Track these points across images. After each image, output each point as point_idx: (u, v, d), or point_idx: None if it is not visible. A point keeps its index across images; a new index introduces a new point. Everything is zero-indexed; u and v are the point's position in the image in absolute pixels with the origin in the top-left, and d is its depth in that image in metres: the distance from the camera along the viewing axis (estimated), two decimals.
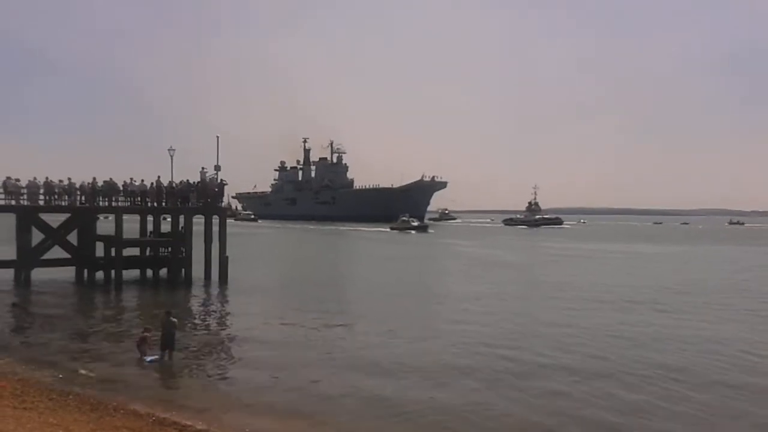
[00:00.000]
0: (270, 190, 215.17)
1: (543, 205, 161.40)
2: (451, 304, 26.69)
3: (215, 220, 31.86)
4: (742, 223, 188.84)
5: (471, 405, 12.76)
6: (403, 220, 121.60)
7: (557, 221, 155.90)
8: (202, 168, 32.01)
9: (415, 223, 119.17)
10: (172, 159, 33.31)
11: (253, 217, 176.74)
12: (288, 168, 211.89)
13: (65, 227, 31.70)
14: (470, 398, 13.22)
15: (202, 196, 31.41)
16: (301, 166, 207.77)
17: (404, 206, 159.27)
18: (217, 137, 34.13)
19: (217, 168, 32.59)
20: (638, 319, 22.94)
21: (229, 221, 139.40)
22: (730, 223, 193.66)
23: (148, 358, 15.66)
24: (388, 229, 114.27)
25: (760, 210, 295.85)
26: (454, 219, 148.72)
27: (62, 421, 10.61)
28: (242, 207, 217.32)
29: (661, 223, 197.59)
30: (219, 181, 32.28)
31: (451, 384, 14.22)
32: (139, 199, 31.78)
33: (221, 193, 32.21)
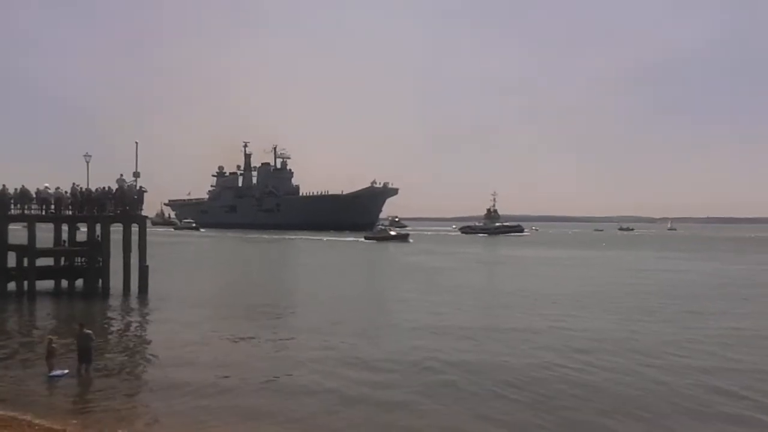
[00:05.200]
0: (207, 197, 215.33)
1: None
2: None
3: (134, 228, 33.72)
4: (632, 229, 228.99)
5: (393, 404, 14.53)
6: (381, 229, 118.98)
7: (518, 229, 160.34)
8: (120, 175, 33.88)
9: (393, 233, 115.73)
10: (88, 165, 34.97)
11: (194, 225, 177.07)
12: (227, 174, 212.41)
13: None
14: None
15: (120, 204, 33.31)
16: (242, 172, 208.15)
17: (354, 214, 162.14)
18: (136, 143, 36.11)
19: (136, 175, 34.55)
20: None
21: (168, 230, 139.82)
22: (620, 229, 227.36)
23: (52, 374, 16.18)
24: (363, 239, 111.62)
25: (670, 216, 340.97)
26: (405, 227, 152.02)
27: None
28: (176, 215, 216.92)
29: (602, 230, 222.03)
30: (138, 188, 34.24)
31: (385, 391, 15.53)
32: (53, 206, 33.38)
33: (140, 201, 34.01)
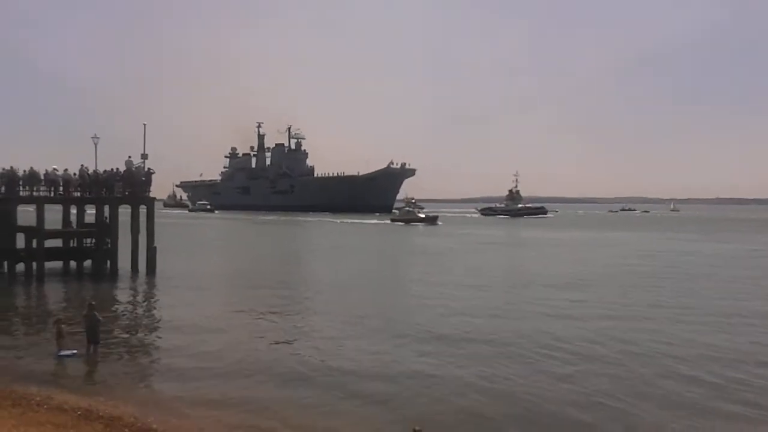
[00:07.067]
0: (219, 178, 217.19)
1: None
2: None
3: (143, 210, 34.72)
4: (634, 210, 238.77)
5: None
6: (408, 210, 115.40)
7: (541, 211, 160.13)
8: (129, 156, 34.98)
9: (422, 215, 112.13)
10: (96, 147, 36.14)
11: (209, 207, 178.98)
12: (240, 155, 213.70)
13: None
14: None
15: (128, 186, 34.39)
16: (255, 153, 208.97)
17: (371, 195, 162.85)
18: (144, 125, 37.25)
19: (144, 156, 35.64)
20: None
21: (182, 212, 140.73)
22: (622, 210, 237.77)
23: (62, 353, 16.97)
24: (388, 221, 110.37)
25: (678, 198, 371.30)
26: (422, 209, 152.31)
27: None
28: (188, 197, 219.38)
29: (617, 211, 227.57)
30: (146, 169, 35.31)
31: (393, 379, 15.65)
32: (61, 188, 34.43)
33: (148, 182, 35.07)
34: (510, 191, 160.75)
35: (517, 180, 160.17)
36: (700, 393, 14.73)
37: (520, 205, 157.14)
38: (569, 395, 14.48)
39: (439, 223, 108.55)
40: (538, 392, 14.67)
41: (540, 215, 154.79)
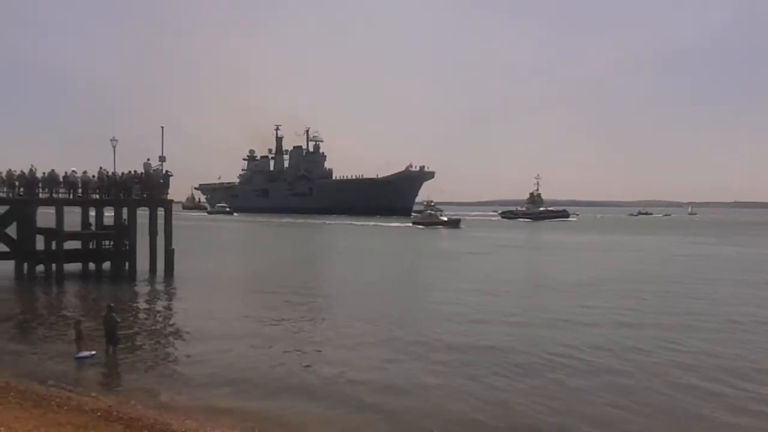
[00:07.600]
0: (238, 181, 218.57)
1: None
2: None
3: (161, 212, 35.14)
4: (651, 213, 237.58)
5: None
6: (430, 213, 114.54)
7: (563, 214, 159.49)
8: (147, 159, 35.47)
9: (444, 218, 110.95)
10: (114, 150, 36.63)
11: (228, 209, 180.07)
12: (258, 157, 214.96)
13: (4, 220, 34.69)
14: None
15: (146, 188, 34.84)
16: (273, 155, 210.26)
17: (390, 198, 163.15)
18: (162, 127, 37.84)
19: (162, 159, 36.10)
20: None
21: (201, 215, 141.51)
22: (639, 213, 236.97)
23: (78, 355, 17.30)
24: (410, 224, 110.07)
25: (696, 201, 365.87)
26: (441, 211, 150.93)
27: (3, 420, 11.57)
28: (206, 199, 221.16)
29: (635, 215, 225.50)
30: (164, 172, 35.75)
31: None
32: (80, 190, 34.94)
33: (166, 185, 35.51)
34: (531, 194, 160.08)
35: (538, 183, 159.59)
36: (714, 408, 14.40)
37: (541, 209, 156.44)
38: (581, 407, 14.29)
39: (462, 226, 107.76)
40: (552, 404, 14.46)
41: (562, 218, 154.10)
